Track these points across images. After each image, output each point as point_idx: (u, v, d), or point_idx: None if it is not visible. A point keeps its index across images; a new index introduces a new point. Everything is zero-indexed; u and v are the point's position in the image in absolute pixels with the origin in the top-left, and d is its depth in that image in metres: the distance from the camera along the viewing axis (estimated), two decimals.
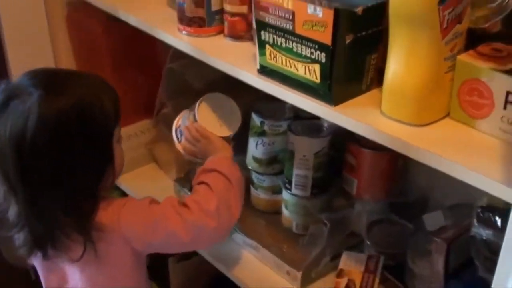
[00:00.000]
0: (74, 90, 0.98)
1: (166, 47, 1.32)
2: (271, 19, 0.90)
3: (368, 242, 1.18)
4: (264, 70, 0.96)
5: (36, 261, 1.09)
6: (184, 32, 1.13)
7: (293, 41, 0.89)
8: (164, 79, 1.41)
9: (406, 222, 1.19)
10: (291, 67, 0.91)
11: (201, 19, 1.10)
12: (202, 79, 1.36)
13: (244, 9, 1.07)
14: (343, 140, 1.25)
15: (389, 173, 1.23)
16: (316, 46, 0.85)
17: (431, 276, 1.01)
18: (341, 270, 1.12)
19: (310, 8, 0.84)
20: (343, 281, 1.09)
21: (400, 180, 1.25)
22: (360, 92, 0.90)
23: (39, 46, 1.44)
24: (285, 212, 1.31)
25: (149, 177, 1.51)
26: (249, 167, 1.35)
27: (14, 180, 0.97)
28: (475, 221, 0.92)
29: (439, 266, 0.97)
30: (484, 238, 0.92)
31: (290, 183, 1.26)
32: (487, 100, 0.78)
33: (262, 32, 0.93)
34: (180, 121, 1.22)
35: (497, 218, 0.90)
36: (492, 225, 0.91)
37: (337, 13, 0.81)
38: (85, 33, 1.44)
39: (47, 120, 0.94)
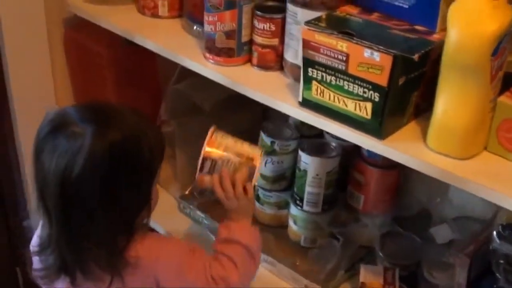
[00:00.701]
0: (123, 127, 1.01)
1: (168, 66, 1.39)
2: (321, 58, 1.00)
3: (381, 255, 1.30)
4: (308, 103, 1.05)
5: (63, 284, 1.11)
6: (211, 61, 1.20)
7: (344, 80, 0.98)
8: (168, 99, 1.46)
9: (413, 234, 1.32)
10: (339, 102, 1.01)
11: (231, 49, 1.18)
12: (209, 100, 1.43)
13: (275, 41, 1.15)
14: (348, 158, 1.37)
15: (394, 189, 1.36)
16: (370, 87, 0.96)
17: (451, 287, 1.14)
18: (363, 283, 1.23)
19: (367, 52, 0.94)
20: None
21: (401, 195, 1.38)
22: (401, 125, 1.02)
23: (39, 64, 1.46)
24: (293, 226, 1.41)
25: None
26: (255, 184, 1.44)
27: (52, 208, 1.00)
28: (496, 237, 1.06)
29: (462, 279, 1.11)
30: (505, 253, 1.06)
31: (301, 200, 1.36)
32: None
33: (310, 69, 1.02)
34: (217, 155, 1.11)
35: None
36: None
37: (395, 59, 0.92)
38: (86, 53, 1.47)
39: (97, 158, 0.97)
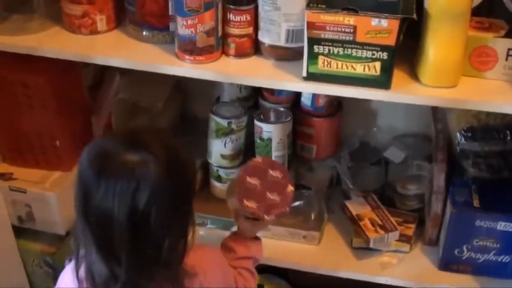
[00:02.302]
0: (164, 146, 1.06)
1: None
2: (327, 35, 1.21)
3: (353, 187, 1.59)
4: (313, 76, 1.26)
5: None
6: (188, 61, 1.32)
7: (352, 48, 1.22)
8: (113, 110, 1.52)
9: (368, 163, 1.63)
10: (348, 68, 1.24)
11: (211, 46, 1.31)
12: (159, 100, 1.54)
13: (251, 30, 1.32)
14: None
15: (338, 132, 1.64)
16: (379, 48, 1.21)
17: (430, 192, 1.48)
18: (358, 215, 1.51)
19: (375, 21, 1.18)
20: (367, 222, 1.49)
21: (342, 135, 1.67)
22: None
23: None
24: None
25: None
26: (215, 165, 1.60)
27: (122, 244, 1.03)
28: (462, 139, 1.41)
29: (441, 182, 1.45)
30: (471, 149, 1.42)
31: None
32: (492, 57, 1.26)
33: (315, 47, 1.23)
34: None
35: (479, 133, 1.41)
36: (476, 139, 1.42)
37: (401, 22, 1.18)
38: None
39: (161, 181, 1.02)
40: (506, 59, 1.25)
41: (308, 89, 1.28)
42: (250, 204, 1.23)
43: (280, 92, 1.58)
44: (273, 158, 1.55)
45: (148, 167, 1.01)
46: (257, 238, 1.34)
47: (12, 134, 1.51)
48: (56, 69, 1.44)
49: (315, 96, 1.56)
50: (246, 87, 1.61)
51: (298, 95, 1.60)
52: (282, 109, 1.57)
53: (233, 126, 1.54)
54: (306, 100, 1.58)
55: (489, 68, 1.27)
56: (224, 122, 1.53)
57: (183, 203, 1.09)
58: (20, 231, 1.60)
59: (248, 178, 1.25)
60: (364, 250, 1.52)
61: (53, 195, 1.49)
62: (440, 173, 1.44)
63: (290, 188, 1.26)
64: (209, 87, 1.65)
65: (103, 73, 1.56)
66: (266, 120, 1.53)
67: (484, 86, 1.27)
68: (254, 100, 1.64)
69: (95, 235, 1.02)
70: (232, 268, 1.28)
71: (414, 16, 1.19)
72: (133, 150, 1.03)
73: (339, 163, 1.60)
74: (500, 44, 1.24)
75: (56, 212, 1.51)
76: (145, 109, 1.53)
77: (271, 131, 1.52)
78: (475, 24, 1.27)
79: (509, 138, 1.40)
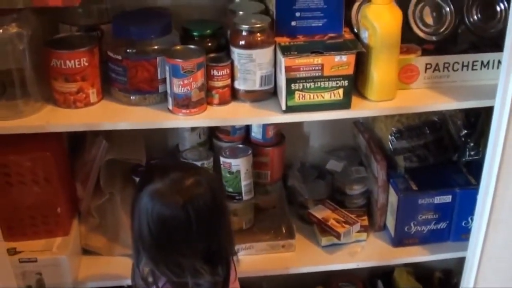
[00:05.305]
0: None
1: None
2: (301, 74, 1.59)
3: (307, 197, 1.97)
4: (291, 108, 1.63)
5: None
6: (181, 114, 1.62)
7: (321, 82, 1.61)
8: (102, 172, 1.76)
9: (313, 178, 2.02)
10: (317, 98, 1.63)
11: (202, 99, 1.63)
12: (140, 155, 1.80)
13: (229, 81, 1.66)
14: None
15: (284, 157, 2.02)
16: (341, 78, 1.61)
17: (374, 187, 1.90)
18: (323, 218, 1.89)
19: (337, 58, 1.59)
20: (333, 221, 1.87)
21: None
22: None
23: None
24: (234, 218, 1.93)
25: (104, 264, 1.83)
26: None
27: (217, 247, 1.41)
28: (394, 139, 1.87)
29: (384, 176, 1.88)
30: (403, 147, 1.88)
31: (240, 194, 1.89)
32: (415, 72, 1.72)
33: (292, 85, 1.60)
34: None
35: (405, 133, 1.87)
36: (404, 138, 1.88)
37: (356, 55, 1.60)
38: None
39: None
40: (425, 72, 1.72)
41: (288, 119, 1.63)
42: None
43: (234, 131, 1.92)
44: (243, 187, 1.88)
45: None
46: None
47: (14, 212, 1.66)
48: (51, 143, 1.65)
49: (265, 130, 1.92)
50: (204, 133, 1.93)
51: (247, 132, 1.95)
52: (240, 145, 1.91)
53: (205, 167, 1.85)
54: (256, 135, 1.93)
55: (413, 80, 1.73)
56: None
57: None
58: None
59: None
60: (331, 246, 1.89)
61: (65, 257, 1.67)
62: (382, 170, 1.87)
63: None
64: (164, 139, 1.96)
65: (83, 140, 1.78)
66: (232, 156, 1.86)
67: (413, 95, 1.72)
68: (209, 143, 1.96)
69: (198, 253, 1.35)
70: None
71: (364, 50, 1.61)
72: (186, 177, 1.39)
73: (293, 181, 1.97)
74: (420, 61, 1.71)
75: (68, 273, 1.69)
76: (129, 166, 1.78)
77: (238, 164, 1.85)
78: None
79: (428, 132, 1.87)
